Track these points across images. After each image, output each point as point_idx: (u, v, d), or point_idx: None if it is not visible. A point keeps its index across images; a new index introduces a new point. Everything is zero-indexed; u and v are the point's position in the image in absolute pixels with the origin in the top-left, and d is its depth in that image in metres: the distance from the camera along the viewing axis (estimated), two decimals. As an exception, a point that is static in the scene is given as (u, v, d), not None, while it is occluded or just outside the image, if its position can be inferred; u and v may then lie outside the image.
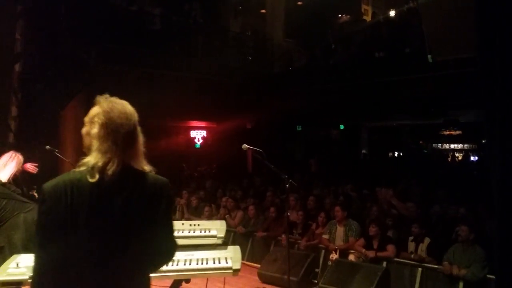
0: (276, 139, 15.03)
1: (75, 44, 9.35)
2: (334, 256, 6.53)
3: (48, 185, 1.86)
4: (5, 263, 3.06)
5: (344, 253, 6.56)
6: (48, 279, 1.82)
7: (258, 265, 6.88)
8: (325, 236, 6.91)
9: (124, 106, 2.02)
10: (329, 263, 6.48)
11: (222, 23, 14.78)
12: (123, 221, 1.89)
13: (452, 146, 20.68)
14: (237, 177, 12.18)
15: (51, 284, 1.81)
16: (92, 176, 1.86)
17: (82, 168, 1.90)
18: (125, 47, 10.48)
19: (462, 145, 20.44)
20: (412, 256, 6.14)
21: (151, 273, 2.08)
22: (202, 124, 15.44)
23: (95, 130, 1.93)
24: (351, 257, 6.38)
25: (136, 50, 10.69)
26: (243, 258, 7.55)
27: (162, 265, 2.17)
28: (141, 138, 2.03)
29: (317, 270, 6.57)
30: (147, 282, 2.03)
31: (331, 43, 13.86)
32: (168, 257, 2.10)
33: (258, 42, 14.88)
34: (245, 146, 4.68)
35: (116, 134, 1.92)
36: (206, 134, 15.74)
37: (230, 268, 3.11)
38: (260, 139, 13.60)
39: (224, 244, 4.08)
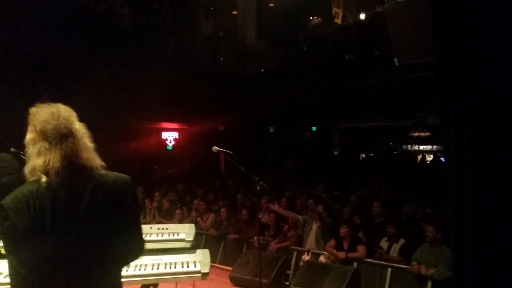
0: (249, 141, 15.03)
1: (41, 44, 9.13)
2: (306, 257, 6.56)
3: (8, 200, 1.81)
4: None
5: (316, 254, 6.61)
6: (24, 284, 1.83)
7: (230, 268, 6.84)
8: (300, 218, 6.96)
9: (53, 106, 1.99)
10: (301, 263, 6.51)
11: (193, 23, 14.69)
12: (88, 222, 1.86)
13: (421, 147, 21.11)
14: (209, 179, 12.12)
15: None
16: (41, 181, 1.82)
17: (34, 178, 1.85)
18: (93, 47, 10.28)
19: (431, 147, 20.88)
20: (380, 252, 6.23)
21: (121, 268, 2.10)
22: (174, 125, 15.28)
23: (27, 136, 1.91)
24: (322, 258, 6.42)
25: (105, 50, 10.50)
26: (215, 261, 7.54)
27: (131, 261, 2.19)
28: (83, 134, 1.97)
29: (288, 272, 6.58)
30: (118, 280, 2.03)
31: (302, 45, 13.96)
32: (137, 254, 2.10)
33: (230, 44, 14.86)
34: (215, 148, 4.63)
35: (44, 133, 1.88)
36: (178, 135, 15.58)
37: (198, 272, 3.08)
38: (232, 141, 13.59)
39: (196, 247, 4.04)
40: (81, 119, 2.16)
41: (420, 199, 8.40)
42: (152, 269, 3.07)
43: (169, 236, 3.46)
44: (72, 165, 1.88)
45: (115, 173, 2.00)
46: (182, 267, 3.10)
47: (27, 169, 1.87)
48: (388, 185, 9.97)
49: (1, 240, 1.90)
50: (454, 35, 1.90)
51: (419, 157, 20.73)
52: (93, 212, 1.87)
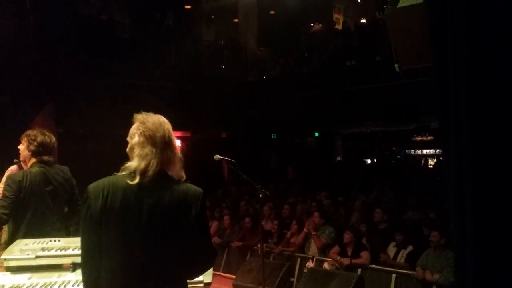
0: (251, 148, 15.03)
1: (44, 55, 9.18)
2: (310, 264, 6.54)
3: (91, 185, 2.12)
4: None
5: (319, 261, 6.59)
6: (89, 260, 2.10)
7: (234, 276, 6.82)
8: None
9: (157, 116, 2.26)
10: (305, 270, 6.49)
11: (194, 32, 14.76)
12: (150, 224, 2.06)
13: (424, 151, 21.05)
14: (212, 187, 12.10)
15: (90, 265, 2.10)
16: (133, 179, 2.07)
17: (123, 173, 2.11)
18: (95, 57, 10.33)
19: (434, 151, 20.82)
20: (385, 257, 6.21)
21: (189, 279, 2.26)
22: (177, 133, 15.17)
23: (135, 139, 2.15)
24: (326, 265, 6.40)
25: (107, 60, 10.55)
26: (218, 269, 7.52)
27: (199, 273, 2.32)
28: (177, 146, 2.22)
29: (292, 279, 6.56)
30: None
31: (304, 51, 13.99)
32: (204, 265, 2.24)
33: (232, 51, 14.90)
34: (217, 156, 4.64)
35: (153, 139, 2.13)
36: (181, 143, 15.59)
37: (201, 282, 3.04)
38: (235, 148, 13.62)
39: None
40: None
41: (424, 204, 8.37)
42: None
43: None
44: (164, 171, 2.13)
45: (189, 185, 2.20)
46: (185, 276, 3.09)
47: (129, 164, 2.11)
48: (392, 190, 9.94)
49: (81, 221, 2.16)
50: (452, 40, 1.90)
51: (423, 161, 20.68)
52: (155, 216, 2.07)
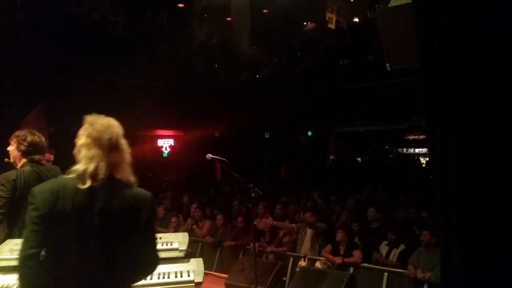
0: (245, 147, 15.02)
1: (36, 54, 9.11)
2: (302, 263, 6.54)
3: (37, 188, 2.13)
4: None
5: (312, 260, 6.59)
6: (31, 261, 2.07)
7: (227, 275, 6.81)
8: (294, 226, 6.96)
9: (107, 119, 2.26)
10: (297, 269, 6.49)
11: (187, 30, 14.71)
12: (101, 227, 2.07)
13: (417, 150, 21.16)
14: (206, 186, 12.09)
15: (32, 267, 2.06)
16: (83, 182, 2.07)
17: (71, 175, 2.11)
18: (87, 56, 10.27)
19: (426, 150, 20.92)
20: (377, 255, 6.23)
21: (133, 283, 2.26)
22: (170, 132, 15.26)
23: (81, 141, 2.16)
24: (318, 264, 6.41)
25: (98, 59, 10.49)
26: (211, 269, 7.51)
27: (141, 277, 2.33)
28: (126, 149, 2.23)
29: (284, 278, 6.56)
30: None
31: (297, 50, 14.01)
32: (149, 268, 2.24)
33: (225, 50, 14.88)
34: (209, 155, 4.63)
35: (99, 141, 2.14)
36: (174, 142, 15.56)
37: (192, 282, 3.07)
38: (228, 147, 13.60)
39: (192, 254, 4.02)
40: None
41: (416, 202, 8.41)
42: (145, 279, 3.05)
43: (162, 245, 3.44)
44: (112, 175, 2.14)
45: (139, 189, 2.22)
46: (176, 277, 3.09)
47: (77, 167, 2.12)
48: (384, 189, 9.98)
49: (26, 224, 2.12)
50: (439, 40, 1.92)
51: (415, 159, 20.79)
52: (106, 219, 2.08)
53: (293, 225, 7.08)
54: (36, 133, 3.90)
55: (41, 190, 2.11)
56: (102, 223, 2.07)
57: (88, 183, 2.07)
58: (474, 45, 1.80)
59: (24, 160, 3.80)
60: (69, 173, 2.14)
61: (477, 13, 1.79)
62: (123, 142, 2.24)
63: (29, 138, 3.80)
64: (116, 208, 2.10)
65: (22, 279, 2.09)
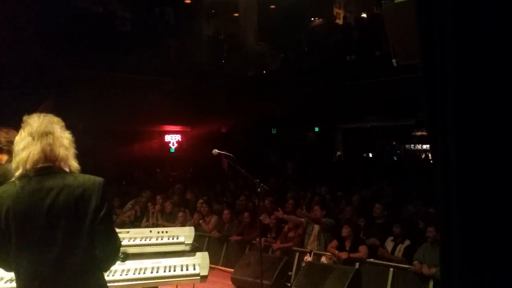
0: (251, 143, 15.05)
1: (43, 49, 9.18)
2: (308, 258, 6.57)
3: None
4: None
5: (317, 255, 6.61)
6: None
7: (233, 270, 6.86)
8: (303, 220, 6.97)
9: (44, 115, 2.18)
10: (303, 264, 6.52)
11: (195, 26, 14.74)
12: (49, 225, 1.99)
13: (424, 146, 21.07)
14: (212, 181, 12.14)
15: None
16: (20, 181, 2.02)
17: (16, 179, 2.04)
18: (95, 52, 10.33)
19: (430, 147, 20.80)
20: (382, 251, 6.24)
21: (103, 270, 2.17)
22: (177, 128, 15.33)
23: (16, 137, 2.12)
24: (323, 259, 6.43)
25: (106, 54, 10.55)
26: (218, 263, 7.57)
27: (107, 265, 2.20)
28: (63, 135, 2.14)
29: (290, 273, 6.59)
30: (96, 285, 2.11)
31: (304, 46, 13.98)
32: (111, 257, 2.15)
33: (232, 46, 14.89)
34: (215, 151, 4.66)
35: (31, 131, 2.08)
36: (181, 138, 15.62)
37: (197, 275, 3.10)
38: (235, 143, 13.64)
39: (199, 249, 4.06)
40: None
41: (422, 198, 8.39)
42: (152, 272, 3.10)
43: (168, 239, 3.48)
44: (48, 161, 2.05)
45: (87, 176, 2.11)
46: (181, 270, 3.12)
47: (13, 164, 2.06)
48: (391, 185, 9.96)
49: None
50: (440, 37, 1.92)
51: (423, 156, 20.70)
52: (55, 214, 1.99)
53: (303, 219, 7.10)
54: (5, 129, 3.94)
55: None
56: (49, 220, 1.99)
57: (19, 171, 2.02)
58: (475, 41, 1.81)
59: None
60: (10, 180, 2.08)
61: (478, 9, 1.79)
62: (58, 130, 2.14)
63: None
64: (62, 202, 2.00)
65: None
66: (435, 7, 1.90)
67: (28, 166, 2.03)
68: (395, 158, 19.63)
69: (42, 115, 2.15)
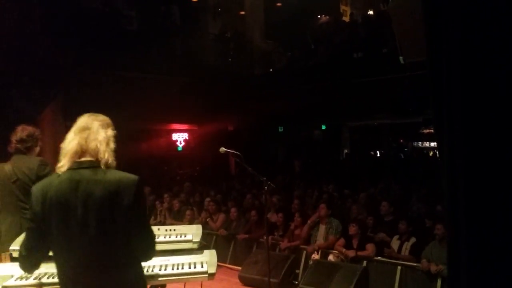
0: (258, 141, 15.04)
1: (51, 48, 9.22)
2: (315, 256, 6.57)
3: (34, 186, 2.22)
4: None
5: (325, 253, 6.61)
6: (27, 257, 2.23)
7: (240, 268, 6.88)
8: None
9: (93, 114, 2.34)
10: (310, 262, 6.53)
11: (201, 24, 14.74)
12: (85, 217, 2.08)
13: (432, 144, 20.94)
14: (220, 180, 12.16)
15: (29, 260, 2.24)
16: (62, 173, 2.15)
17: (59, 171, 2.18)
18: (102, 51, 10.36)
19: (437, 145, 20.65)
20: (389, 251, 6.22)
21: (132, 266, 2.22)
22: (184, 126, 15.35)
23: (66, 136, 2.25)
24: (331, 257, 6.43)
25: (114, 53, 10.57)
26: (225, 261, 7.59)
27: (143, 260, 2.31)
28: (99, 131, 2.24)
29: (297, 271, 6.60)
30: (131, 278, 2.19)
31: (310, 44, 13.94)
32: (146, 253, 2.26)
33: (238, 44, 14.88)
34: (222, 149, 4.67)
35: (75, 127, 2.25)
36: (188, 136, 15.64)
37: (205, 273, 3.10)
38: (242, 141, 13.63)
39: (206, 247, 4.06)
40: None
41: (430, 196, 8.36)
42: (160, 270, 3.10)
43: (176, 237, 3.48)
44: (85, 155, 2.18)
45: (123, 173, 2.18)
46: (189, 267, 3.12)
47: (59, 158, 2.21)
48: (398, 183, 9.93)
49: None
50: (446, 34, 1.91)
51: (431, 153, 20.59)
52: (91, 206, 2.09)
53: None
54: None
55: (34, 188, 2.20)
56: (85, 212, 2.09)
57: (67, 166, 2.15)
58: (482, 38, 1.80)
59: None
60: (57, 169, 2.21)
61: (485, 6, 1.78)
62: (96, 125, 2.26)
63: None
64: (97, 196, 2.09)
65: (22, 269, 2.30)
66: (442, 4, 1.89)
67: (68, 159, 2.17)
68: (402, 156, 19.54)
69: (91, 114, 2.32)
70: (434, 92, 2.03)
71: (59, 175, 2.17)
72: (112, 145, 2.28)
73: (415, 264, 5.94)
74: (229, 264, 7.60)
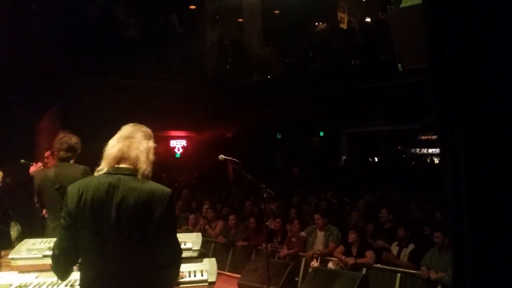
0: (257, 148, 15.05)
1: (50, 55, 9.24)
2: (314, 263, 6.55)
3: (70, 186, 2.28)
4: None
5: (324, 260, 6.59)
6: (61, 258, 2.25)
7: (239, 275, 6.84)
8: (303, 234, 6.96)
9: (136, 125, 2.44)
10: (310, 269, 6.50)
11: (199, 32, 14.80)
12: (117, 222, 2.14)
13: (430, 150, 20.97)
14: (218, 187, 12.14)
15: (62, 260, 2.25)
16: (101, 176, 2.23)
17: (97, 174, 2.26)
18: (101, 58, 10.39)
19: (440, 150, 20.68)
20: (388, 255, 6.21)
21: (161, 275, 2.26)
22: (182, 133, 15.35)
23: (109, 142, 2.34)
24: (330, 265, 6.41)
25: (112, 60, 10.60)
26: (224, 269, 7.55)
27: (168, 269, 2.33)
28: (143, 142, 2.34)
29: (297, 278, 6.57)
30: (147, 284, 2.23)
31: (308, 51, 13.99)
32: (171, 262, 2.31)
33: (236, 51, 14.92)
34: (221, 156, 4.66)
35: (119, 135, 2.33)
36: (186, 143, 15.63)
37: (205, 281, 3.09)
38: (240, 148, 13.64)
39: (205, 254, 4.04)
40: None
41: (428, 203, 8.36)
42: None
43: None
44: (125, 162, 2.26)
45: (158, 184, 2.26)
46: (189, 276, 3.11)
47: (101, 161, 2.29)
48: (396, 189, 9.93)
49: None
50: (448, 40, 1.92)
51: (428, 160, 20.60)
52: (123, 212, 2.15)
53: (302, 233, 7.07)
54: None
55: (71, 187, 2.26)
56: (118, 217, 2.15)
57: (106, 170, 2.23)
58: (484, 44, 1.81)
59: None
60: (97, 171, 2.29)
61: (486, 12, 1.79)
62: (139, 136, 2.36)
63: None
64: (131, 203, 2.15)
65: (55, 272, 2.29)
66: (442, 10, 1.90)
67: (107, 163, 2.25)
68: (399, 163, 19.56)
69: (135, 124, 2.43)
70: (436, 97, 2.04)
71: (96, 178, 2.24)
72: (151, 157, 2.36)
73: (414, 271, 5.92)
74: (228, 271, 7.56)
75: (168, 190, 2.25)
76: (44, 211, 5.06)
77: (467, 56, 1.83)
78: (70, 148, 4.07)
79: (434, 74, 2.05)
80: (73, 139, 4.11)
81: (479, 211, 1.78)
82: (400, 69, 3.90)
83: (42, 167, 5.34)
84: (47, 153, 5.91)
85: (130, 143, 2.29)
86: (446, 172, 1.94)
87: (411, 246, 6.28)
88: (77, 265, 2.29)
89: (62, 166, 4.01)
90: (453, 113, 1.88)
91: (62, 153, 4.04)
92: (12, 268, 3.24)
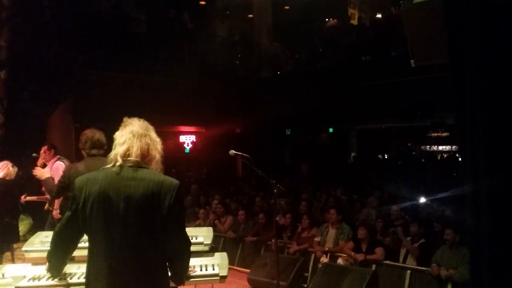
0: (265, 144, 15.03)
1: (61, 51, 9.31)
2: (324, 259, 6.55)
3: (78, 178, 2.31)
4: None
5: (334, 256, 6.59)
6: (56, 248, 2.37)
7: (248, 270, 6.87)
8: (317, 239, 6.92)
9: (142, 121, 2.43)
10: (319, 265, 6.50)
11: (209, 27, 14.80)
12: (126, 213, 2.17)
13: (440, 147, 20.81)
14: (227, 182, 12.16)
15: (56, 249, 2.38)
16: (114, 164, 2.25)
17: (110, 165, 2.27)
18: (112, 53, 10.45)
19: (450, 147, 20.56)
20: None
21: (165, 267, 2.30)
22: (192, 129, 15.38)
23: (116, 133, 2.35)
24: (340, 261, 6.41)
25: (123, 56, 10.66)
26: (233, 263, 7.58)
27: (177, 261, 2.36)
28: (156, 140, 2.39)
29: (306, 274, 6.58)
30: (161, 279, 2.26)
31: (318, 47, 13.94)
32: (180, 255, 2.33)
33: (246, 47, 14.91)
34: (232, 151, 4.67)
35: (132, 130, 2.31)
36: (196, 139, 15.67)
37: (217, 275, 3.10)
38: (249, 144, 13.63)
39: (214, 250, 4.05)
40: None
41: (438, 200, 8.31)
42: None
43: (187, 239, 3.49)
44: (142, 162, 2.27)
45: (166, 176, 2.30)
46: (201, 270, 3.12)
47: (111, 155, 2.31)
48: (406, 186, 9.88)
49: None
50: (469, 35, 1.90)
51: (439, 157, 20.45)
52: (133, 203, 2.17)
53: (316, 239, 7.06)
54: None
55: (78, 180, 2.28)
56: (126, 209, 2.17)
57: (118, 162, 2.23)
58: (505, 42, 1.79)
59: None
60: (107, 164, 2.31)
61: (507, 11, 1.77)
62: (154, 135, 2.40)
63: None
64: (140, 194, 2.17)
65: (50, 257, 2.42)
66: (463, 7, 1.88)
67: (125, 158, 2.25)
68: (409, 159, 19.43)
69: (140, 119, 2.42)
70: (456, 97, 2.03)
71: (104, 170, 2.26)
72: (160, 157, 2.41)
73: (424, 268, 5.91)
74: (237, 266, 7.60)
75: (176, 181, 2.28)
76: (47, 205, 5.14)
77: (488, 52, 1.81)
78: (94, 144, 4.12)
79: (454, 72, 2.03)
80: (96, 135, 4.17)
81: (498, 210, 1.77)
82: (413, 65, 3.87)
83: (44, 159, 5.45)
84: (43, 148, 5.99)
85: (150, 142, 2.34)
86: (465, 171, 1.93)
87: (421, 240, 6.27)
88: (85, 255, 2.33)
89: (91, 160, 4.06)
90: (472, 111, 1.86)
91: (87, 150, 4.12)
92: (25, 260, 3.28)
